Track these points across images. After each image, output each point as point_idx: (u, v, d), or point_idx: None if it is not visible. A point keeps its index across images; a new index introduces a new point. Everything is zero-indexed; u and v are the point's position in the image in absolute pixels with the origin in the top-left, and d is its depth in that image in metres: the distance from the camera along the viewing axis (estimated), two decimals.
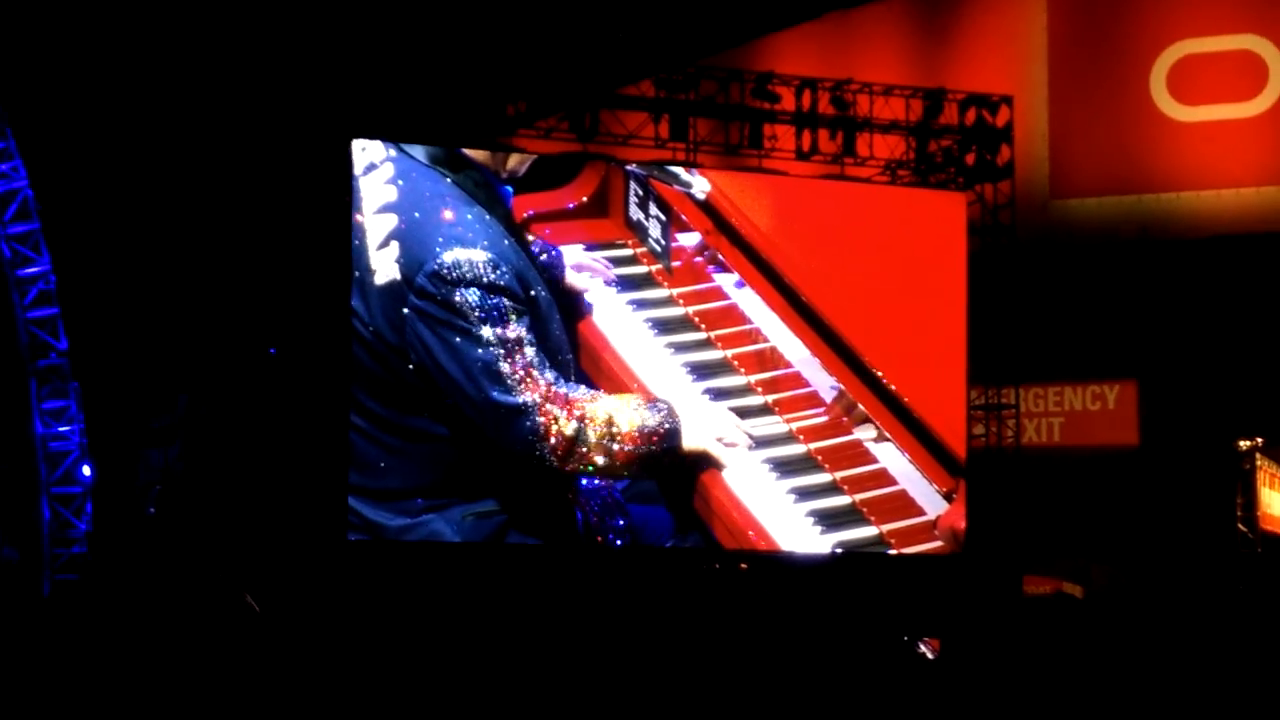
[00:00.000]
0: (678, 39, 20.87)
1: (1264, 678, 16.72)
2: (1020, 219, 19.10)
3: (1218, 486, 20.79)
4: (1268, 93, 21.37)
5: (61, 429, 20.77)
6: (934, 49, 22.54)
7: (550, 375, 13.40)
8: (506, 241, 13.35)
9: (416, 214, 13.46)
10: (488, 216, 13.37)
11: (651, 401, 14.06)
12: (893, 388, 14.75)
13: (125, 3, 20.94)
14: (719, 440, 14.21)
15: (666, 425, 13.86)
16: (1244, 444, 20.58)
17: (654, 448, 13.81)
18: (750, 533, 14.36)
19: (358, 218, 14.04)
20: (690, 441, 14.03)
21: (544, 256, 14.87)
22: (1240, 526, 20.59)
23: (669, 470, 14.31)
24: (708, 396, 14.86)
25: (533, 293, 13.39)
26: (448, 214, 13.30)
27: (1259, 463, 20.82)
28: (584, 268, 15.20)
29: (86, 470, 20.79)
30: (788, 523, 14.64)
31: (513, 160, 14.69)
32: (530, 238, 15.03)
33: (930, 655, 17.96)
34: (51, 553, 20.60)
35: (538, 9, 20.85)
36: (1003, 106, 18.78)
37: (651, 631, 16.75)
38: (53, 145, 21.01)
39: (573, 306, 15.13)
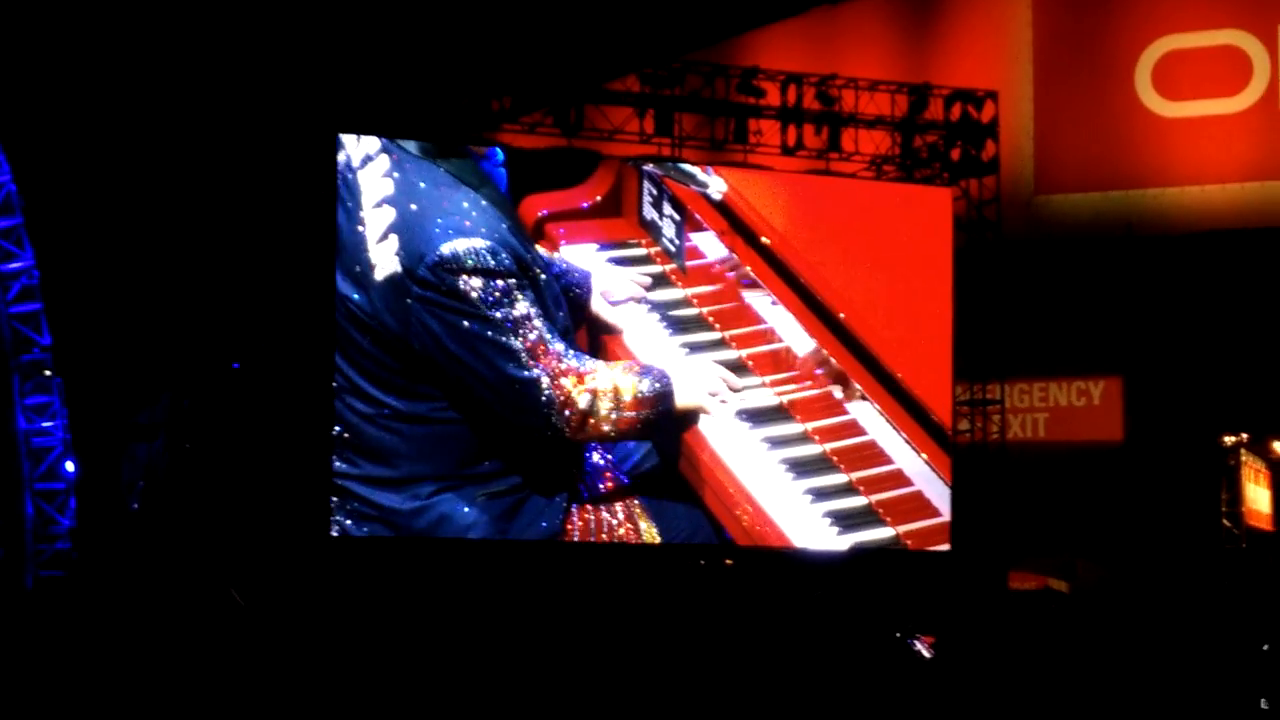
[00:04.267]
0: (663, 34, 20.85)
1: (1247, 671, 16.76)
2: (1005, 214, 19.11)
3: (1203, 482, 20.82)
4: (1252, 88, 21.38)
5: (45, 424, 20.72)
6: (919, 45, 22.52)
7: (560, 345, 13.70)
8: (504, 225, 13.62)
9: (413, 206, 13.72)
10: (483, 202, 13.62)
11: (644, 368, 14.32)
12: (911, 390, 14.98)
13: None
14: (711, 395, 14.54)
15: (661, 388, 14.16)
16: (1229, 439, 20.61)
17: (653, 412, 14.14)
18: (744, 505, 14.55)
19: (358, 213, 14.16)
20: (683, 399, 14.31)
21: (572, 277, 15.04)
22: (1225, 522, 20.63)
23: (664, 431, 14.55)
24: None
25: (533, 272, 13.59)
26: (444, 204, 13.55)
27: (1243, 458, 20.85)
28: (618, 302, 15.31)
29: (70, 466, 20.73)
30: (805, 522, 14.85)
31: None
32: (554, 256, 15.17)
33: (926, 654, 17.96)
34: (35, 549, 20.53)
35: (522, 5, 20.81)
36: (988, 102, 18.77)
37: (641, 624, 16.74)
38: (36, 140, 20.92)
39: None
